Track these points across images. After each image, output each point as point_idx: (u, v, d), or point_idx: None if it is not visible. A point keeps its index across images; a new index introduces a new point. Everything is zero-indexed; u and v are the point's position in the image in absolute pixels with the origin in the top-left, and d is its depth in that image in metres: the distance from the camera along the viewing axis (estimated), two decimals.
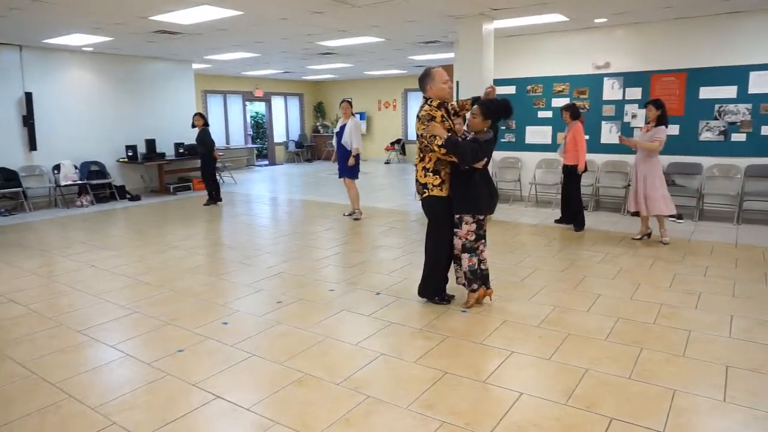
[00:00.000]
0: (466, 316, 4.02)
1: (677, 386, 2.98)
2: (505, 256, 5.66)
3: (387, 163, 16.09)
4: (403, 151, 16.29)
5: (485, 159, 3.85)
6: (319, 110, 18.02)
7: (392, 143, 16.25)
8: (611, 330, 3.74)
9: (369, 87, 16.72)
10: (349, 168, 7.57)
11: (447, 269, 4.20)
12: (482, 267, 4.09)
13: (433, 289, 4.24)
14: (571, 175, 6.76)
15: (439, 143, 3.77)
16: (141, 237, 6.90)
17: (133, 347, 3.58)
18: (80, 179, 9.67)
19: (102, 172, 10.05)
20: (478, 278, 4.10)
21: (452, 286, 4.32)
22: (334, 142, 7.77)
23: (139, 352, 3.50)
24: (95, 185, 9.83)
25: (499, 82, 8.62)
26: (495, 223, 7.36)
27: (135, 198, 10.07)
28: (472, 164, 3.80)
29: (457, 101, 4.23)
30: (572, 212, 6.86)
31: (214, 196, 9.33)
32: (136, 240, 6.74)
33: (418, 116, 3.95)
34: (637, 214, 6.10)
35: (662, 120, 5.85)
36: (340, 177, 7.87)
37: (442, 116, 3.91)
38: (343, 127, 7.62)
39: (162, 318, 4.08)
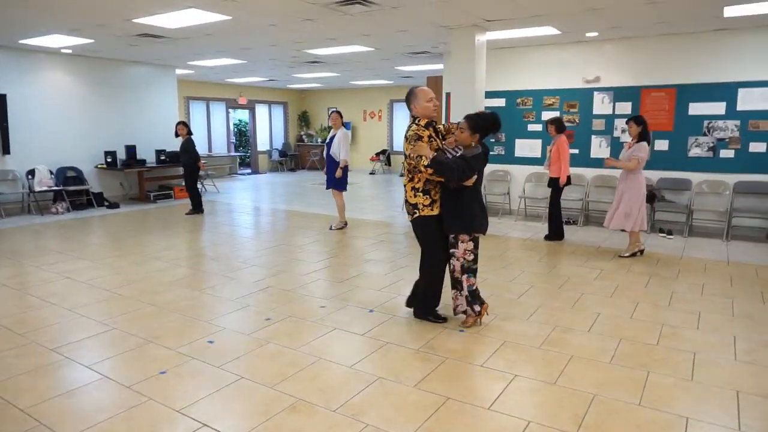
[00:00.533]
0: (464, 336, 3.86)
1: (689, 413, 2.85)
2: (498, 271, 5.53)
3: (372, 173, 15.95)
4: (388, 162, 16.17)
5: (474, 176, 3.71)
6: (304, 119, 17.85)
7: (377, 154, 16.14)
8: (615, 352, 3.61)
9: (354, 97, 16.61)
10: (336, 179, 7.39)
11: (441, 287, 4.10)
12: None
13: (427, 307, 4.12)
14: (554, 188, 6.87)
15: (425, 163, 3.63)
16: (119, 247, 6.64)
17: (111, 368, 3.34)
18: (56, 185, 9.33)
19: (79, 178, 9.72)
20: (478, 298, 3.97)
21: (445, 303, 4.16)
22: (324, 153, 7.57)
23: (117, 374, 3.26)
24: (72, 191, 9.50)
25: (489, 95, 8.56)
26: (485, 237, 7.20)
27: (113, 205, 9.76)
28: (460, 183, 3.69)
29: (444, 125, 4.06)
30: (554, 224, 6.95)
31: (196, 206, 9.05)
32: (115, 250, 6.47)
33: (405, 136, 3.84)
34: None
35: (643, 136, 5.83)
36: (327, 188, 7.68)
37: (430, 136, 3.78)
38: (333, 138, 7.43)
39: (142, 335, 3.83)
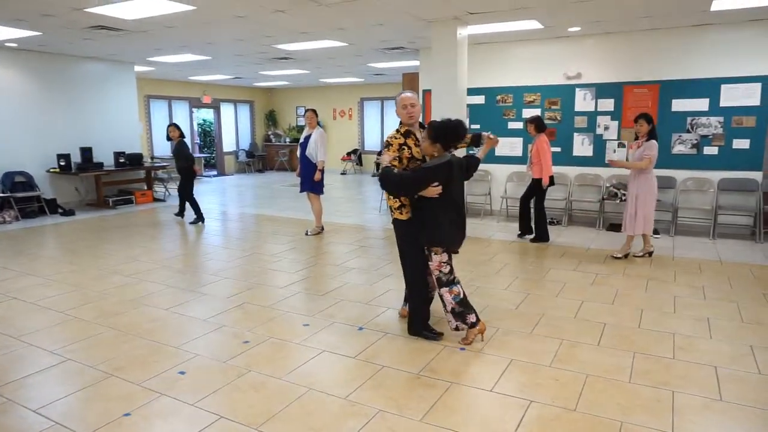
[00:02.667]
0: (466, 355, 3.51)
1: None
2: (490, 278, 5.22)
3: (343, 173, 15.56)
4: (359, 162, 15.78)
5: (437, 187, 3.40)
6: (271, 118, 17.33)
7: (348, 153, 15.73)
8: (632, 369, 3.32)
9: (324, 95, 16.16)
10: (313, 182, 6.96)
11: (428, 299, 3.85)
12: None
13: (420, 322, 3.79)
14: (536, 189, 6.68)
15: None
16: (75, 259, 6.09)
17: (64, 411, 2.85)
18: (2, 192, 8.60)
19: (29, 184, 9.00)
20: (468, 307, 3.63)
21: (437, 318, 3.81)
22: (298, 153, 7.17)
23: (73, 419, 2.77)
24: (20, 198, 8.79)
25: (467, 92, 8.26)
26: (469, 240, 6.94)
27: (68, 213, 9.08)
28: (409, 194, 3.52)
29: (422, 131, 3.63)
30: (537, 225, 6.77)
31: (199, 214, 8.34)
32: (69, 263, 5.91)
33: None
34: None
35: (653, 134, 5.64)
36: (302, 191, 7.27)
37: (402, 144, 3.60)
38: (307, 138, 7.01)
39: (102, 367, 3.34)
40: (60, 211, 9.18)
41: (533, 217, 6.86)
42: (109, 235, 7.44)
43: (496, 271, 5.49)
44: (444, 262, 3.54)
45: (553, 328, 3.95)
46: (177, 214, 8.69)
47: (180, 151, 8.17)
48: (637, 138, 5.83)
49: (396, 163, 3.56)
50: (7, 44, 8.38)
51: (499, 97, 8.47)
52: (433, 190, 3.40)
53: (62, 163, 9.33)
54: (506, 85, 8.40)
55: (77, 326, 4.05)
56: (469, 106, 8.30)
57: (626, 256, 5.93)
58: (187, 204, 8.48)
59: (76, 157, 9.61)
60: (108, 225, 8.27)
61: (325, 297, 4.69)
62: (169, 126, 8.33)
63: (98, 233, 7.62)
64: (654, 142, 5.61)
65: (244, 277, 5.36)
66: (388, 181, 3.45)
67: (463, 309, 3.59)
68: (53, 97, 9.52)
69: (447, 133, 3.45)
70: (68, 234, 7.60)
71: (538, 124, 6.60)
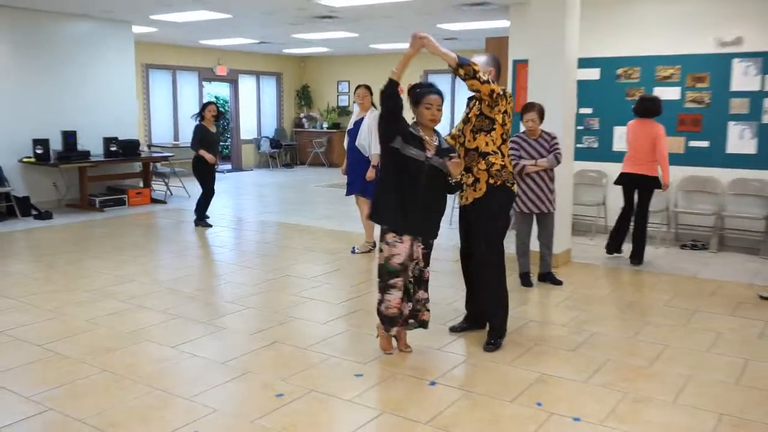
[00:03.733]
0: (578, 427, 3.40)
1: None
2: (609, 322, 5.18)
3: None
4: None
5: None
6: (304, 96, 17.66)
7: None
8: None
9: (375, 66, 16.29)
10: (365, 182, 7.01)
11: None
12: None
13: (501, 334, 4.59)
14: (648, 192, 7.00)
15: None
16: (55, 277, 6.31)
17: None
18: None
19: None
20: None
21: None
22: (345, 143, 7.28)
23: None
24: None
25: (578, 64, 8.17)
26: (576, 266, 6.84)
27: (44, 215, 9.49)
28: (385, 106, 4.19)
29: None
30: (638, 238, 7.06)
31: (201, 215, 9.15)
32: (48, 282, 6.14)
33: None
34: None
35: None
36: (349, 193, 7.39)
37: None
38: (358, 124, 7.11)
39: (93, 421, 3.43)
40: (34, 213, 9.57)
41: (632, 228, 7.11)
42: (96, 247, 7.69)
43: (618, 313, 5.43)
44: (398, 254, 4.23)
45: (707, 398, 3.80)
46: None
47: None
48: None
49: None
50: None
51: (620, 71, 8.36)
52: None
53: (39, 151, 9.75)
54: (631, 54, 8.28)
55: (60, 365, 4.16)
56: (578, 83, 8.19)
57: None
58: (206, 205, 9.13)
59: (56, 144, 10.02)
60: (95, 233, 8.57)
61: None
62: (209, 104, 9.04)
63: (83, 243, 7.89)
64: None
65: (273, 307, 5.43)
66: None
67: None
68: (28, 66, 9.97)
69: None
70: (45, 243, 7.92)
71: (649, 106, 6.86)
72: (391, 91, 4.06)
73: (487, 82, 4.25)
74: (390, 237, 4.20)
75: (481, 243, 4.49)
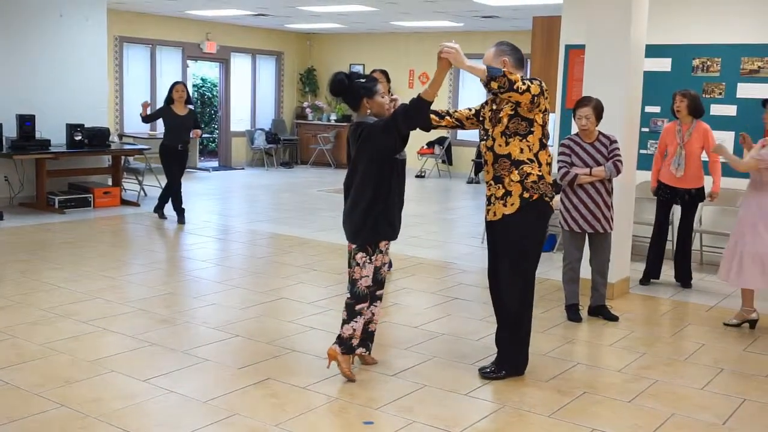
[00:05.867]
0: None
1: None
2: (677, 368, 5.20)
3: (421, 176, 15.87)
4: (448, 158, 15.98)
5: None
6: (309, 82, 17.78)
7: (430, 144, 15.96)
8: None
9: (396, 47, 16.43)
10: None
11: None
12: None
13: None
14: (692, 206, 7.37)
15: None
16: (3, 291, 6.38)
17: None
18: None
19: None
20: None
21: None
22: None
23: None
24: None
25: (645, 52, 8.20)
26: (638, 298, 6.84)
27: None
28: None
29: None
30: (682, 263, 7.44)
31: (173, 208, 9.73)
32: None
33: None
34: None
35: None
36: None
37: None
38: None
39: None
40: None
41: (675, 248, 7.50)
42: (54, 255, 7.78)
43: (686, 356, 5.44)
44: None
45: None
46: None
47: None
48: None
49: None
50: None
51: (696, 62, 8.39)
52: None
53: None
54: (710, 42, 8.28)
55: (10, 398, 4.21)
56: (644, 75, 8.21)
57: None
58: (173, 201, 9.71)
59: (9, 130, 10.13)
60: (53, 238, 8.67)
61: (397, 378, 4.74)
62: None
63: (38, 251, 7.97)
64: None
65: (266, 336, 5.47)
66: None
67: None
68: None
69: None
70: None
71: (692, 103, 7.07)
72: (424, 112, 4.48)
73: (527, 90, 4.27)
74: (360, 257, 4.52)
75: (506, 265, 4.56)
